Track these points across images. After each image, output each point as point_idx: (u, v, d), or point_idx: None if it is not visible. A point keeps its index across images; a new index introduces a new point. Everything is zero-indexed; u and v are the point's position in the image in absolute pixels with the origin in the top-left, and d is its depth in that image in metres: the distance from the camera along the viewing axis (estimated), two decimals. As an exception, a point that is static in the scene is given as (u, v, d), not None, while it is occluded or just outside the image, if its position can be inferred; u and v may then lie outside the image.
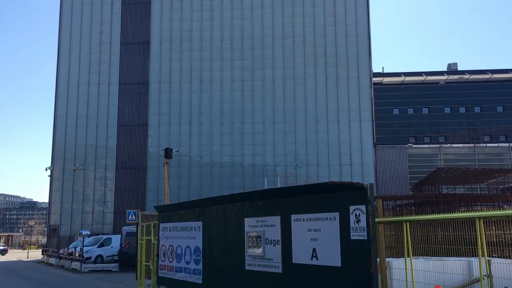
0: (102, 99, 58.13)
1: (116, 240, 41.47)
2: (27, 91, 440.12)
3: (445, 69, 76.02)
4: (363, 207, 8.61)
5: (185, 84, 57.40)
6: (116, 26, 59.27)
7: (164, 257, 15.84)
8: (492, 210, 28.17)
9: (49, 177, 57.16)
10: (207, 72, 57.25)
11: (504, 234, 14.71)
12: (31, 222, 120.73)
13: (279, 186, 48.43)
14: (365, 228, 8.52)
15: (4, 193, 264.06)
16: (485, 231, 8.47)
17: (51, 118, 66.28)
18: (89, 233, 45.70)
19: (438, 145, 67.08)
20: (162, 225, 16.36)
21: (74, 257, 39.43)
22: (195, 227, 14.06)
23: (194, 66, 57.53)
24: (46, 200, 71.34)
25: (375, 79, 63.54)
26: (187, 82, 57.43)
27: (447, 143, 68.52)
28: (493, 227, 15.82)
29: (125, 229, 39.60)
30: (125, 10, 59.39)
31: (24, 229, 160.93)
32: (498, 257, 11.79)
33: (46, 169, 57.23)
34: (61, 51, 59.31)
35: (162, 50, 58.17)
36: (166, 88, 57.59)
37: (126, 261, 36.28)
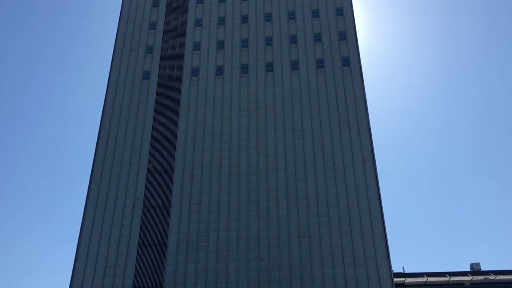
0: (113, 303, 56.08)
1: None
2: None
3: (468, 269, 73.53)
4: None
5: (200, 287, 55.79)
6: (136, 228, 60.63)
7: None
8: None
9: None
10: (222, 273, 56.21)
11: None
12: None
13: None
14: None
15: None
16: None
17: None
18: None
19: None
20: None
21: None
22: None
23: (210, 267, 56.82)
24: None
25: (396, 280, 61.30)
26: (202, 284, 55.98)
27: None
28: None
29: None
30: (146, 213, 61.48)
31: None
32: None
33: None
34: (79, 255, 59.52)
35: (179, 252, 58.26)
36: (180, 291, 55.84)
37: None
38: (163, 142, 66.68)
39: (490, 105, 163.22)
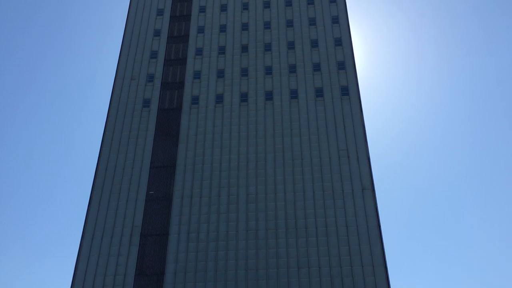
0: (109, 334, 54.93)
1: None
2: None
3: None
4: None
5: (198, 317, 54.77)
6: (133, 257, 59.91)
7: None
8: None
9: None
10: (220, 304, 55.23)
11: None
12: None
13: None
14: None
15: None
16: None
17: None
18: None
19: None
20: None
21: None
22: None
23: (207, 297, 55.89)
24: None
25: (397, 312, 60.23)
26: (199, 315, 54.92)
27: None
28: None
29: None
30: (143, 242, 60.85)
31: None
32: None
33: None
34: (75, 286, 58.57)
35: (177, 281, 57.41)
36: (177, 322, 54.79)
37: None
38: (162, 169, 66.56)
39: (492, 133, 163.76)
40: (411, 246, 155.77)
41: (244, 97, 72.19)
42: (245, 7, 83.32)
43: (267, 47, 77.56)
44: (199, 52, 78.58)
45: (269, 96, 71.97)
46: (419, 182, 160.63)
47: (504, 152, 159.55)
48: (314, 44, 77.07)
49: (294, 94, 71.74)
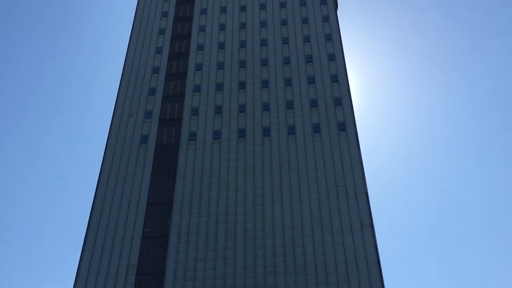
0: None
1: None
2: None
3: None
4: None
5: None
6: (128, 296, 58.69)
7: None
8: None
9: None
10: None
11: None
12: None
13: None
14: None
15: None
16: None
17: None
18: None
19: None
20: None
21: None
22: None
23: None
24: None
25: None
26: None
27: None
28: None
29: None
30: (139, 281, 59.73)
31: None
32: None
33: None
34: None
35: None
36: None
37: None
38: (159, 206, 65.98)
39: (491, 162, 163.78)
40: (412, 284, 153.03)
41: (241, 133, 72.42)
42: (243, 44, 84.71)
43: (264, 84, 78.42)
44: (197, 88, 79.33)
45: (266, 132, 72.24)
46: (418, 217, 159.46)
47: (507, 188, 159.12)
48: (311, 80, 77.98)
49: (291, 130, 72.04)
